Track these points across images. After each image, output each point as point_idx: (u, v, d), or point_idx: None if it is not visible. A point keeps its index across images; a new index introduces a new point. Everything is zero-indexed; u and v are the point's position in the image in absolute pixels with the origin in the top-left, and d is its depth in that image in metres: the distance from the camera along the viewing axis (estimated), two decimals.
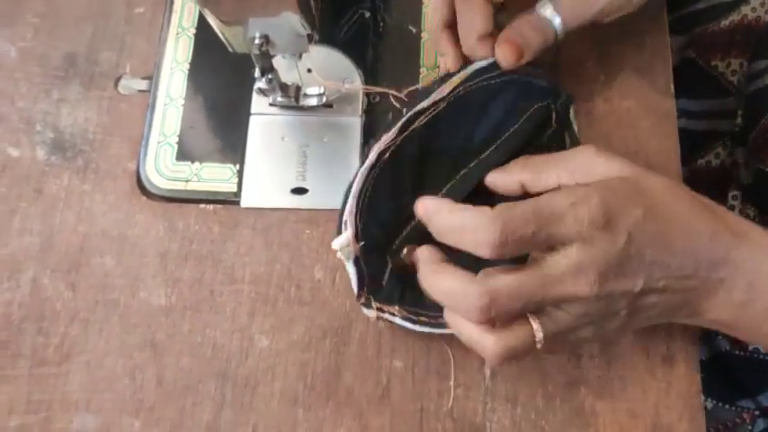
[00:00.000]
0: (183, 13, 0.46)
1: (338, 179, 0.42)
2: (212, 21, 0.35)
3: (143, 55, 0.46)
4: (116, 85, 0.45)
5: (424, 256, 0.35)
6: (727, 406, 0.48)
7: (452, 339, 0.39)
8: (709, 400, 0.48)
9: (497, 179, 0.38)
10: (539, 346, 0.32)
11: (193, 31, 0.46)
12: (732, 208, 0.50)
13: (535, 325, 0.31)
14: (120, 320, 0.40)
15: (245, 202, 0.42)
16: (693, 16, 0.54)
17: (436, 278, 0.33)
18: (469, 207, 0.31)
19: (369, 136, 0.43)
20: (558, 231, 0.30)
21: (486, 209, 0.30)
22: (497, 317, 0.30)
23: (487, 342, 0.31)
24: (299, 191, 0.42)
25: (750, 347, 0.46)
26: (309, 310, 0.40)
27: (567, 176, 0.34)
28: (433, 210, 0.32)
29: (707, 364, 0.38)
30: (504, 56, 0.38)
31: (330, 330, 0.39)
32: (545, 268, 0.30)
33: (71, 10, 0.47)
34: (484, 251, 0.30)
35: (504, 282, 0.30)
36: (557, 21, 0.38)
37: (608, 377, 0.39)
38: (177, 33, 0.46)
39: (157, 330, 0.40)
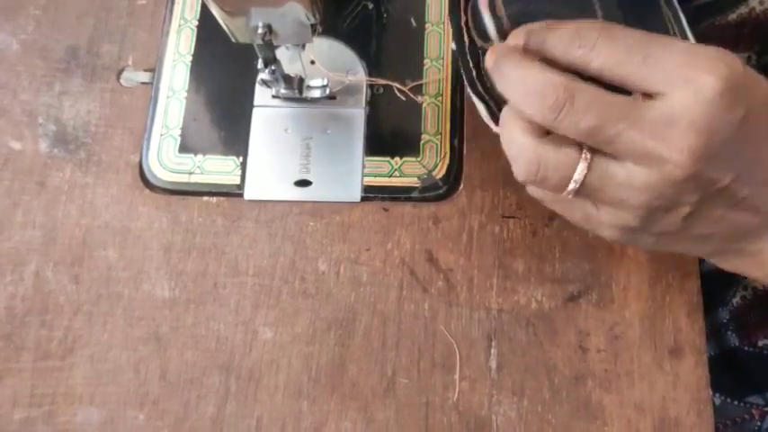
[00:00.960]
0: (186, 4, 0.46)
1: (342, 171, 0.42)
2: (215, 11, 0.35)
3: (145, 47, 0.45)
4: (118, 77, 0.45)
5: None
6: (735, 402, 0.48)
7: (457, 332, 0.39)
8: (718, 395, 0.48)
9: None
10: (570, 188, 0.26)
11: (196, 22, 0.46)
12: None
13: (582, 164, 0.26)
14: (124, 313, 0.40)
15: (249, 194, 0.42)
16: (700, 10, 0.53)
17: (518, 62, 0.27)
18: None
19: (372, 128, 0.42)
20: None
21: None
22: (558, 124, 0.25)
23: (525, 144, 0.26)
24: (303, 183, 0.42)
25: (760, 343, 0.45)
26: (313, 303, 0.40)
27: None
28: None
29: (715, 360, 0.38)
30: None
31: (335, 323, 0.39)
32: (642, 106, 0.25)
33: (73, 2, 0.46)
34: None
35: (591, 90, 0.25)
36: None
37: (615, 370, 0.38)
38: (180, 25, 0.45)
39: (161, 323, 0.39)
